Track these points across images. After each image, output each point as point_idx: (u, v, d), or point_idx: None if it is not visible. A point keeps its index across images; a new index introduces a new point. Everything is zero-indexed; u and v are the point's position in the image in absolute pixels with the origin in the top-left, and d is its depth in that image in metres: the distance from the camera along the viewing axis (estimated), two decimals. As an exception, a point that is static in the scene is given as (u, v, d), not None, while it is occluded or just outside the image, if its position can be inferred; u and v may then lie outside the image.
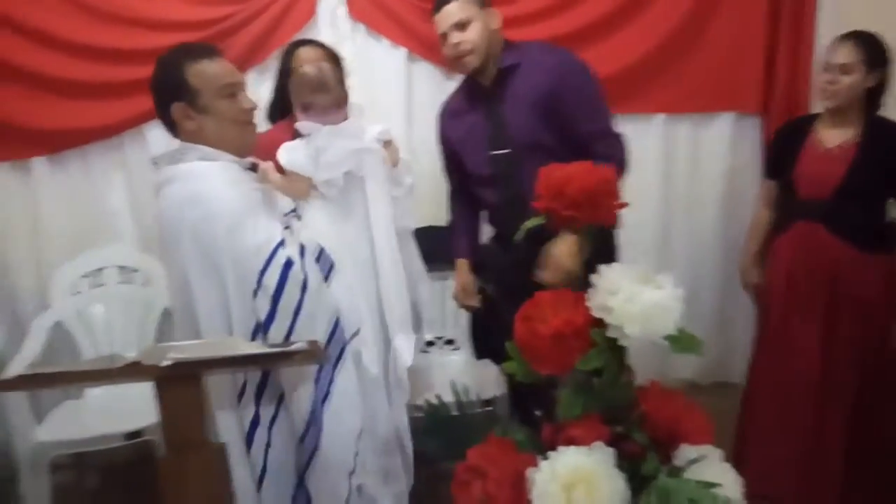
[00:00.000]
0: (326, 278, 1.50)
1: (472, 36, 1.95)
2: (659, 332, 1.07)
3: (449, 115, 2.18)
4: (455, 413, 1.33)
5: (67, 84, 2.37)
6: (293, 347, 1.20)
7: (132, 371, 1.07)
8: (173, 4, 2.41)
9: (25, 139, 2.43)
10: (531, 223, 1.17)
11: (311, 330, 1.41)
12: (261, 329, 1.38)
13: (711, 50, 2.71)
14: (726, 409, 2.30)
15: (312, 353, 1.22)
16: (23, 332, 2.52)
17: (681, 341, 1.08)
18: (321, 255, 1.51)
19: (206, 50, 1.54)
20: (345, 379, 1.48)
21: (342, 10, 2.55)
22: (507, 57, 2.01)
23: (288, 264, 1.41)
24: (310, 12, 2.51)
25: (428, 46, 2.57)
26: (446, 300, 2.69)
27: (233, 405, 1.45)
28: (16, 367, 2.27)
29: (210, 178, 1.45)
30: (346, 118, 1.64)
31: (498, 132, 2.02)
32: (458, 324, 2.71)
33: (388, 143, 1.71)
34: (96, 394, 2.47)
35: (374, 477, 1.64)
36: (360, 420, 1.52)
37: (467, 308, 2.28)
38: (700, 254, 2.94)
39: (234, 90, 1.54)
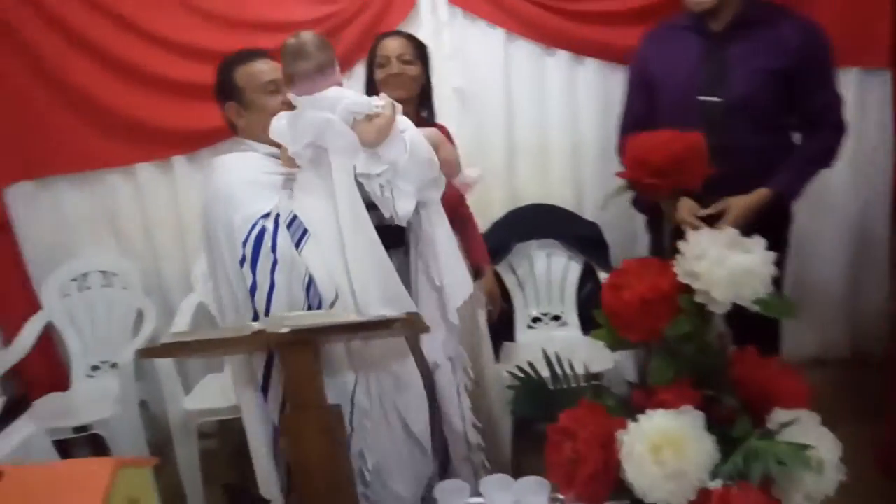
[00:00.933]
0: (297, 245, 1.48)
1: None
2: (748, 296, 1.06)
3: (656, 43, 2.15)
4: (550, 384, 1.37)
5: (198, 88, 2.59)
6: (393, 316, 1.31)
7: (258, 338, 1.21)
8: (287, 5, 2.58)
9: (167, 140, 2.71)
10: (615, 192, 1.20)
11: (289, 295, 1.42)
12: (250, 298, 1.44)
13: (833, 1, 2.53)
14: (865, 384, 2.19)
15: (411, 322, 1.32)
16: (171, 312, 2.85)
17: (772, 305, 1.07)
18: (293, 222, 1.51)
19: (253, 53, 1.70)
20: None
21: (442, -1, 2.62)
22: (746, 9, 1.98)
23: (262, 231, 1.46)
24: (411, 2, 2.60)
25: (526, 24, 2.60)
26: (551, 275, 2.72)
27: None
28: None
29: (225, 166, 1.59)
30: (334, 86, 1.58)
31: (714, 79, 1.99)
32: (564, 300, 2.73)
33: (370, 117, 1.55)
34: (234, 367, 2.74)
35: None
36: None
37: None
38: (829, 219, 2.77)
39: (276, 86, 1.65)
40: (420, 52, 2.03)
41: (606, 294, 1.17)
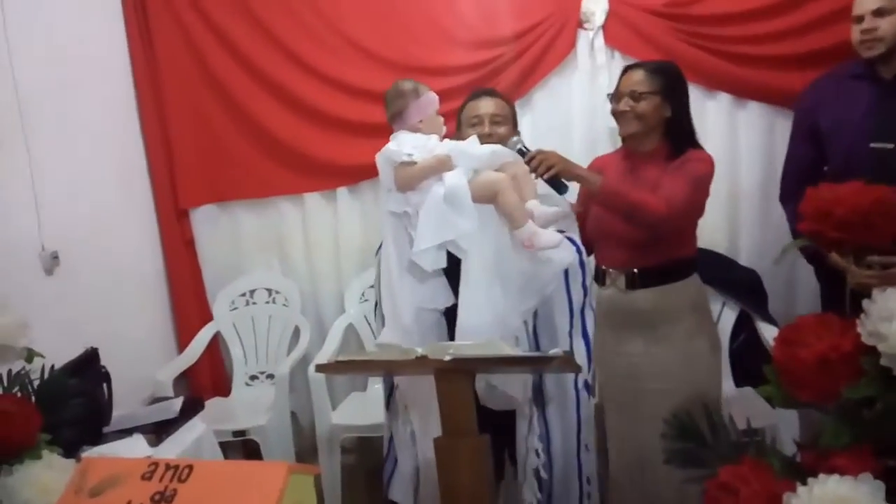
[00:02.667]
0: None
1: (887, 26, 1.96)
2: (943, 363, 0.99)
3: (824, 92, 2.17)
4: (708, 436, 1.33)
5: (364, 126, 2.79)
6: (552, 354, 1.33)
7: (421, 363, 1.28)
8: (450, 51, 2.72)
9: (333, 172, 2.93)
10: (794, 244, 1.16)
11: None
12: None
13: None
14: None
15: (567, 361, 1.34)
16: (324, 330, 3.05)
17: (971, 375, 0.99)
18: None
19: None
20: None
21: (599, 41, 2.65)
22: None
23: None
24: (569, 46, 2.66)
25: (685, 65, 2.54)
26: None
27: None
28: (321, 358, 2.75)
29: None
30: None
31: (887, 126, 1.98)
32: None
33: (403, 164, 1.82)
34: (377, 387, 2.86)
35: None
36: None
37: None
38: None
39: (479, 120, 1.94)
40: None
41: (779, 349, 1.13)
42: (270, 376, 3.09)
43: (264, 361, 3.13)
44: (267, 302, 3.15)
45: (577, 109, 2.73)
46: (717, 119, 2.65)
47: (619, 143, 2.66)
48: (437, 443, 1.34)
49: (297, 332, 3.08)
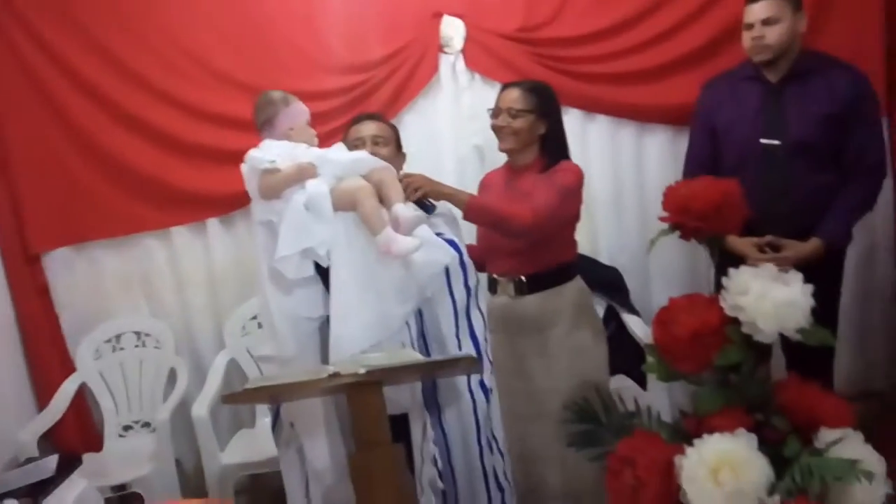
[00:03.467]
0: None
1: (774, 35, 2.13)
2: (791, 326, 1.17)
3: (718, 92, 2.33)
4: (602, 417, 1.46)
5: (230, 153, 2.68)
6: (459, 356, 1.40)
7: (333, 381, 1.30)
8: (318, 76, 2.73)
9: (201, 203, 2.83)
10: (659, 235, 1.31)
11: None
12: None
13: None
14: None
15: (472, 362, 1.41)
16: (202, 370, 2.92)
17: (814, 334, 1.18)
18: None
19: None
20: None
21: (460, 64, 2.80)
22: (801, 60, 2.18)
23: None
24: (432, 70, 2.78)
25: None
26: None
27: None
28: (205, 397, 2.64)
29: None
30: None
31: (774, 124, 2.17)
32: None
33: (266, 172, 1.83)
34: (266, 422, 2.78)
35: None
36: None
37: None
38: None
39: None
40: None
41: (657, 329, 1.28)
42: (146, 424, 2.90)
43: (138, 409, 2.93)
44: (136, 346, 2.96)
45: (444, 129, 2.85)
46: (569, 132, 2.83)
47: (485, 160, 2.85)
48: (352, 461, 1.35)
49: (172, 375, 2.92)
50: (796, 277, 1.19)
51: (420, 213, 1.80)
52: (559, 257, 2.02)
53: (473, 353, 1.85)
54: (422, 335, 1.84)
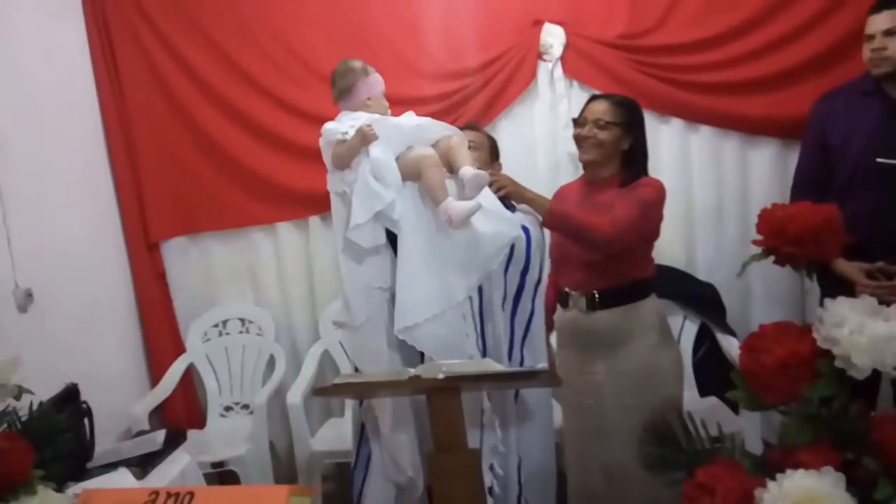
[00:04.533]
0: None
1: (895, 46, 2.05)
2: (890, 363, 1.11)
3: (833, 107, 2.24)
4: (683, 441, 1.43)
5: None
6: (538, 368, 1.42)
7: (414, 383, 1.35)
8: (417, 82, 2.81)
9: (305, 202, 2.97)
10: (752, 259, 1.27)
11: None
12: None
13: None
14: None
15: (552, 375, 1.42)
16: (298, 358, 3.07)
17: (915, 373, 1.11)
18: None
19: None
20: None
21: (558, 72, 2.79)
22: None
23: None
24: (530, 77, 2.79)
25: (638, 93, 2.69)
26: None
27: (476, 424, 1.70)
28: (299, 386, 2.78)
29: None
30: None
31: (893, 143, 2.07)
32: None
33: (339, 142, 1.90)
34: (354, 413, 2.90)
35: None
36: None
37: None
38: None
39: None
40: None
41: (744, 356, 1.23)
42: (245, 406, 3.09)
43: (238, 392, 3.13)
44: (240, 332, 3.16)
45: (539, 136, 2.86)
46: (670, 143, 2.80)
47: (579, 168, 2.82)
48: (430, 459, 1.40)
49: (271, 361, 3.10)
50: (898, 312, 1.12)
51: (483, 173, 1.81)
52: (635, 273, 1.98)
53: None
54: (480, 313, 1.87)
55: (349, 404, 2.98)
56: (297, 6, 2.90)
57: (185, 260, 3.12)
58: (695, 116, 2.77)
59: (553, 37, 2.75)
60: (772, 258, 1.27)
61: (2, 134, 2.28)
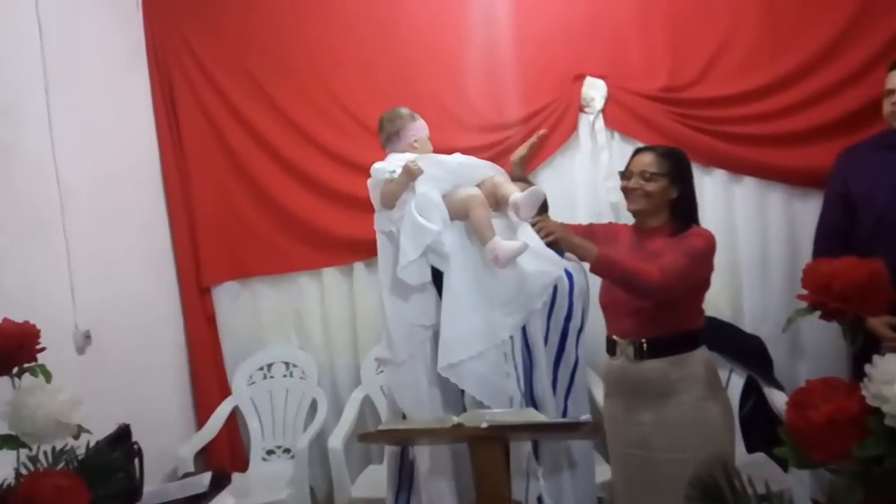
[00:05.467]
0: None
1: None
2: (942, 423, 1.08)
3: (856, 161, 2.28)
4: (730, 499, 1.40)
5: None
6: (581, 420, 1.42)
7: (457, 431, 1.36)
8: (459, 133, 2.88)
9: (350, 248, 3.05)
10: (798, 314, 1.27)
11: None
12: None
13: None
14: None
15: (596, 427, 1.42)
16: (340, 402, 3.10)
17: (969, 434, 1.08)
18: None
19: None
20: None
21: (599, 123, 2.84)
22: None
23: None
24: (572, 128, 2.85)
25: (680, 144, 2.70)
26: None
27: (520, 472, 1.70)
28: (340, 431, 2.81)
29: None
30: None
31: None
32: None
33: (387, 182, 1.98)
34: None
35: None
36: None
37: None
38: None
39: None
40: (672, 169, 2.04)
41: (791, 412, 1.22)
42: (287, 450, 3.12)
43: (281, 435, 3.17)
44: (284, 375, 3.22)
45: (580, 185, 2.90)
46: (714, 193, 2.80)
47: (620, 218, 2.84)
48: (473, 509, 1.40)
49: (313, 405, 3.14)
50: (950, 371, 1.10)
51: (538, 188, 1.89)
52: (684, 323, 1.97)
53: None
54: (524, 352, 1.89)
55: (387, 454, 3.00)
56: (345, 58, 3.02)
57: (234, 304, 3.22)
58: (737, 168, 2.77)
59: (595, 90, 2.82)
60: (817, 313, 1.27)
61: (71, 180, 2.41)
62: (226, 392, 3.16)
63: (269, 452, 3.15)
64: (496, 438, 1.36)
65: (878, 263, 1.22)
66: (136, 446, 2.10)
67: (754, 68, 2.69)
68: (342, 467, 2.75)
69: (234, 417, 3.16)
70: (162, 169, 3.09)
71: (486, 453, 1.37)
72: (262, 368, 3.22)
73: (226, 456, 3.09)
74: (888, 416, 1.12)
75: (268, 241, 3.13)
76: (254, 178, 3.13)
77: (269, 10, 3.06)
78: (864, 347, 1.20)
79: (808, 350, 2.74)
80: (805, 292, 1.28)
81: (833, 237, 2.27)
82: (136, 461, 2.10)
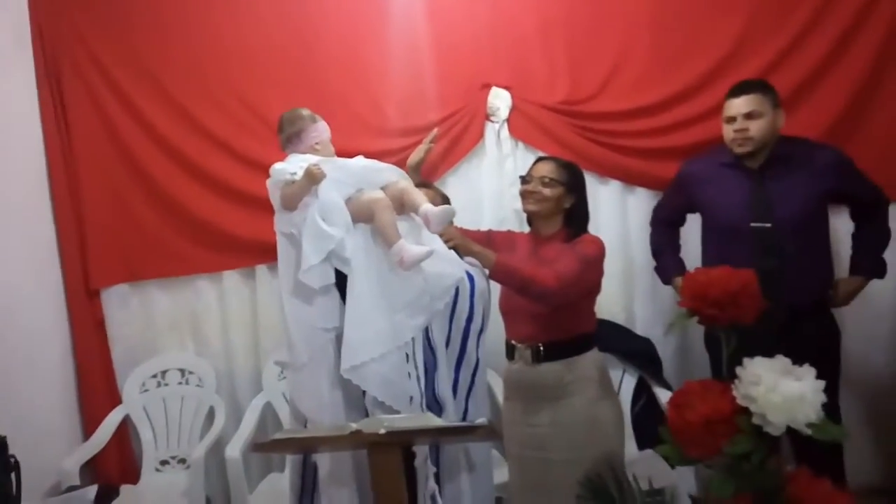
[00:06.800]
0: None
1: (756, 128, 2.31)
2: (801, 420, 1.19)
3: (699, 173, 2.50)
4: (616, 496, 1.48)
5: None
6: (477, 423, 1.45)
7: (355, 438, 1.36)
8: (364, 137, 2.88)
9: (253, 250, 2.96)
10: (678, 319, 1.35)
11: None
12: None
13: (871, 139, 2.74)
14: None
15: (492, 429, 1.46)
16: (239, 410, 3.02)
17: (824, 429, 1.19)
18: None
19: None
20: None
21: (504, 132, 2.92)
22: (779, 146, 2.36)
23: None
24: (478, 136, 2.91)
25: (580, 155, 2.80)
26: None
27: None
28: (239, 439, 2.73)
29: None
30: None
31: (761, 209, 2.32)
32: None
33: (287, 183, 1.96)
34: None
35: None
36: None
37: None
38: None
39: None
40: (569, 179, 2.13)
41: (671, 412, 1.30)
42: (182, 461, 3.01)
43: (175, 445, 3.04)
44: (179, 382, 3.10)
45: (486, 192, 2.96)
46: (609, 203, 2.93)
47: (524, 224, 2.92)
48: (370, 516, 1.41)
49: (210, 414, 3.04)
50: (809, 372, 1.21)
51: (450, 207, 1.92)
52: (578, 327, 2.06)
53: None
54: (427, 352, 1.92)
55: (289, 463, 2.95)
56: (251, 56, 2.95)
57: (125, 308, 3.07)
58: (631, 179, 2.91)
59: (500, 100, 2.89)
60: (695, 320, 1.36)
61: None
62: (116, 401, 3.00)
63: (163, 463, 3.02)
64: (395, 444, 1.37)
65: (749, 274, 1.32)
66: (12, 459, 1.96)
67: (647, 86, 2.84)
68: (240, 477, 2.67)
69: (125, 427, 3.01)
70: (48, 165, 2.90)
71: (385, 459, 1.37)
72: (155, 376, 3.08)
73: (115, 468, 2.94)
74: (755, 415, 1.21)
75: (164, 242, 3.00)
76: (150, 177, 2.99)
77: (170, 4, 2.95)
78: (739, 355, 1.30)
79: (697, 352, 2.91)
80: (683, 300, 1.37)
81: (666, 221, 2.66)
82: (13, 475, 1.96)
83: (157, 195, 3.00)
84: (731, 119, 2.35)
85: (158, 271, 3.04)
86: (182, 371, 3.10)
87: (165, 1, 2.95)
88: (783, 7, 2.77)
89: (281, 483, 2.83)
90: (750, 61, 2.76)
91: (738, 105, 2.33)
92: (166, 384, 3.09)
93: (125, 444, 3.01)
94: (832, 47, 2.74)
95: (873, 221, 2.46)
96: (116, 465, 2.95)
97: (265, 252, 2.94)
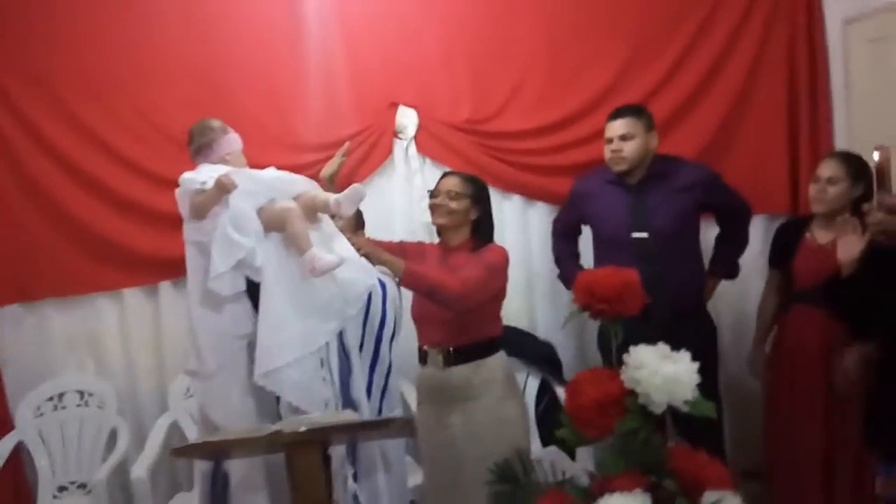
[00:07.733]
0: None
1: (630, 149, 2.54)
2: (679, 398, 1.35)
3: (588, 189, 2.72)
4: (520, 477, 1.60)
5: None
6: (392, 417, 1.53)
7: (275, 437, 1.41)
8: (273, 151, 2.88)
9: (155, 266, 2.91)
10: (572, 315, 1.50)
11: None
12: None
13: (741, 157, 3.05)
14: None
15: (407, 424, 1.54)
16: (143, 432, 2.93)
17: (698, 406, 1.36)
18: None
19: None
20: None
21: (412, 149, 3.04)
22: (655, 164, 2.59)
23: None
24: (387, 153, 3.01)
25: (484, 171, 2.93)
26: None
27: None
28: (144, 460, 2.66)
29: None
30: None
31: (639, 220, 2.56)
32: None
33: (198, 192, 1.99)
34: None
35: None
36: None
37: None
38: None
39: None
40: (474, 192, 2.25)
41: (568, 398, 1.43)
42: (82, 486, 2.89)
43: (75, 470, 2.92)
44: (78, 405, 2.98)
45: (397, 206, 3.07)
46: (512, 216, 3.10)
47: (433, 236, 3.04)
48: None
49: (112, 436, 2.93)
50: (684, 356, 1.38)
51: (360, 186, 1.99)
52: (485, 331, 2.19)
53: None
54: (341, 356, 1.98)
55: (198, 477, 2.89)
56: (150, 69, 2.91)
57: (18, 329, 2.93)
58: (532, 194, 3.10)
59: (407, 118, 3.01)
60: (587, 314, 1.50)
61: None
62: (8, 427, 2.84)
63: (62, 489, 2.89)
64: (314, 443, 1.42)
65: (631, 273, 1.48)
66: None
67: (544, 107, 3.04)
68: (147, 498, 2.60)
69: (19, 454, 2.86)
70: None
71: (304, 459, 1.42)
72: (51, 399, 2.95)
73: (8, 497, 2.78)
74: (641, 395, 1.36)
75: (59, 260, 2.89)
76: (43, 192, 2.88)
77: (65, 11, 2.86)
78: (627, 345, 1.45)
79: (591, 352, 3.11)
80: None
81: (564, 234, 2.86)
82: None
83: (52, 211, 2.89)
84: (609, 140, 2.59)
85: (53, 290, 2.92)
86: (81, 393, 2.98)
87: (60, 9, 2.86)
88: (663, 34, 3.05)
89: (189, 502, 2.78)
90: (633, 86, 3.02)
91: (615, 128, 2.57)
92: (64, 407, 2.96)
93: (19, 472, 2.86)
94: (705, 75, 3.05)
95: (735, 229, 2.73)
96: (9, 493, 2.80)
97: (169, 268, 2.92)
